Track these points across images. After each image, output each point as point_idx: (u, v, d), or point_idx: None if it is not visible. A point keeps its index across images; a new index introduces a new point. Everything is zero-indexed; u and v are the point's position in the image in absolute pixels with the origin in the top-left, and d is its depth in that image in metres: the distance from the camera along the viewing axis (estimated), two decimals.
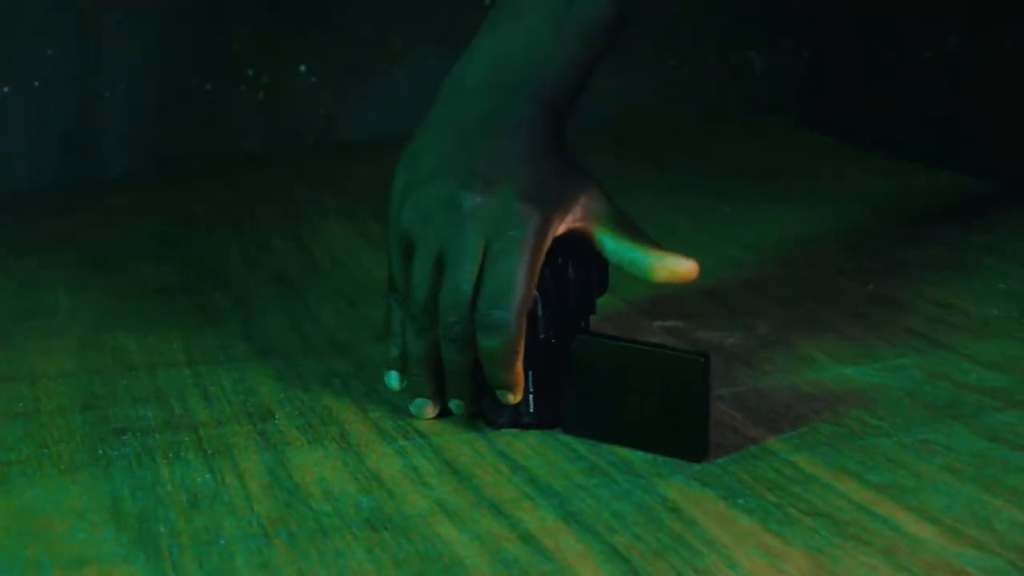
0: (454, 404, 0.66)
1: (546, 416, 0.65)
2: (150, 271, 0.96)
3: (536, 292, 0.64)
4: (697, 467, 0.60)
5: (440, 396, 0.66)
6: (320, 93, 1.37)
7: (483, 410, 0.66)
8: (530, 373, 0.64)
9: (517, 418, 0.65)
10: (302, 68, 1.37)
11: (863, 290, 0.86)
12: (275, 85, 1.36)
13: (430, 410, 0.66)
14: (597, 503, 0.57)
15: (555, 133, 0.67)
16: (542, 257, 0.63)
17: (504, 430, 0.65)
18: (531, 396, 0.65)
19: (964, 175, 1.15)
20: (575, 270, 0.65)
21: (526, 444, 0.64)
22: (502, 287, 0.62)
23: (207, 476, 0.61)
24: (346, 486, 0.59)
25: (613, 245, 0.65)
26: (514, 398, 0.64)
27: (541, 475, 0.60)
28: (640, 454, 0.62)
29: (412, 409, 0.67)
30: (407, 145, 0.68)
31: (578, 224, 0.65)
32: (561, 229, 0.64)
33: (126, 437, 0.65)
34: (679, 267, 0.64)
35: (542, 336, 0.64)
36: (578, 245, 0.65)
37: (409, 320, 0.64)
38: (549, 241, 0.63)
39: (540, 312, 0.64)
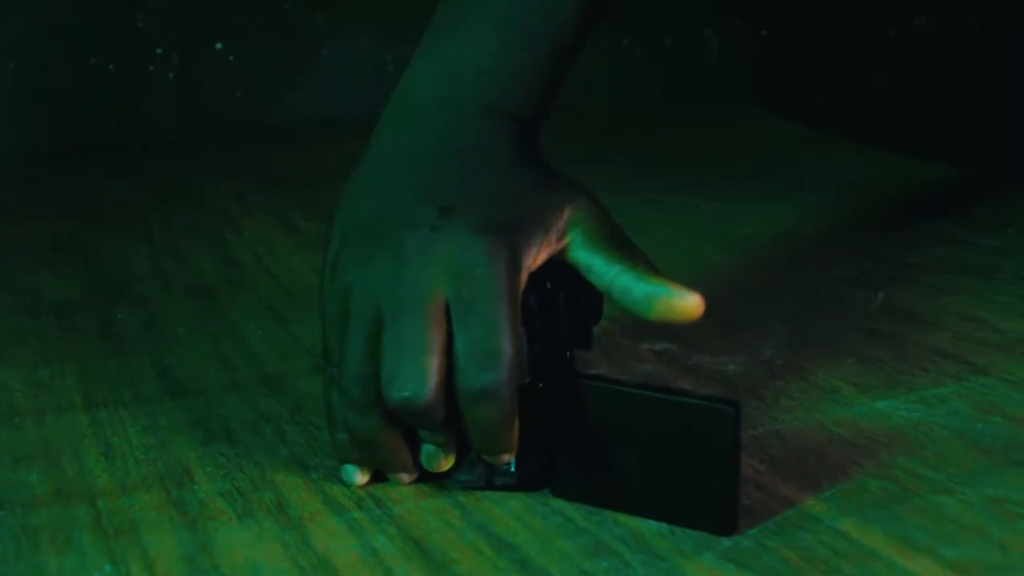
0: (395, 477, 0.54)
1: (531, 476, 0.53)
2: (41, 285, 0.82)
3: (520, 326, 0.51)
4: (727, 542, 0.49)
5: (412, 461, 0.54)
6: (238, 73, 1.23)
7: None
8: None
9: (492, 477, 0.53)
10: (218, 45, 1.23)
11: (873, 301, 0.75)
12: (187, 65, 1.22)
13: (406, 478, 0.54)
14: None
15: (522, 145, 0.55)
16: (519, 293, 0.51)
17: (480, 493, 0.53)
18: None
19: (940, 162, 1.05)
20: (566, 296, 0.53)
21: (510, 513, 0.52)
22: (483, 343, 0.49)
23: (107, 568, 0.48)
24: None
25: (602, 268, 0.53)
26: (508, 457, 0.52)
27: (533, 556, 0.48)
28: (652, 525, 0.50)
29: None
30: (346, 183, 0.55)
31: (564, 244, 0.53)
32: (542, 257, 0.52)
33: (2, 513, 0.52)
34: (680, 303, 0.52)
35: (527, 380, 0.52)
36: (567, 265, 0.53)
37: (346, 403, 0.52)
38: (525, 275, 0.51)
39: (525, 350, 0.52)
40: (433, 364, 0.49)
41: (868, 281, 0.78)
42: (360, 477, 0.54)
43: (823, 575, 0.46)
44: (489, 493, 0.53)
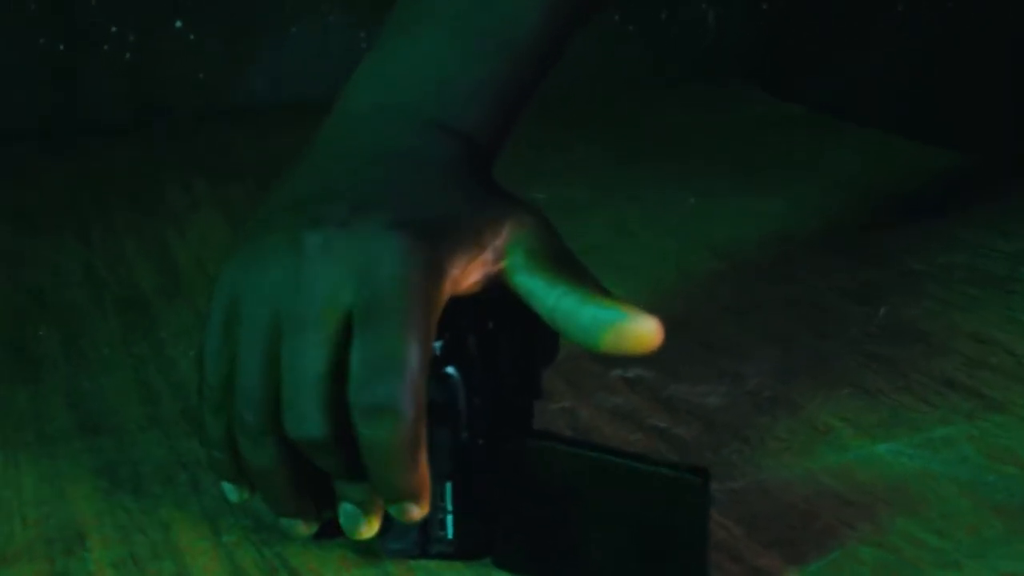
0: (289, 523, 0.46)
1: (470, 544, 0.46)
2: None
3: (455, 372, 0.44)
4: None
5: (312, 509, 0.46)
6: (199, 54, 1.15)
7: (380, 531, 0.46)
8: (448, 486, 0.45)
9: (427, 545, 0.46)
10: (178, 23, 1.15)
11: (874, 316, 0.67)
12: (144, 44, 1.14)
13: (303, 528, 0.47)
14: None
15: (465, 160, 0.48)
16: (438, 305, 0.43)
17: (412, 561, 0.46)
18: (449, 517, 0.45)
19: (948, 148, 0.97)
20: (511, 336, 0.46)
21: None
22: (381, 351, 0.42)
23: None
24: None
25: (543, 292, 0.45)
26: (419, 512, 0.44)
27: None
28: None
29: (284, 528, 0.47)
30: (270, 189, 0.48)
31: (502, 267, 0.46)
32: (474, 275, 0.45)
33: None
34: (635, 329, 0.43)
35: (464, 436, 0.44)
36: (513, 301, 0.46)
37: (237, 429, 0.44)
38: (447, 285, 0.44)
39: (462, 402, 0.44)
40: (335, 392, 0.42)
41: (868, 293, 0.70)
42: (240, 495, 0.47)
43: None
44: (422, 564, 0.46)
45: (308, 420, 0.42)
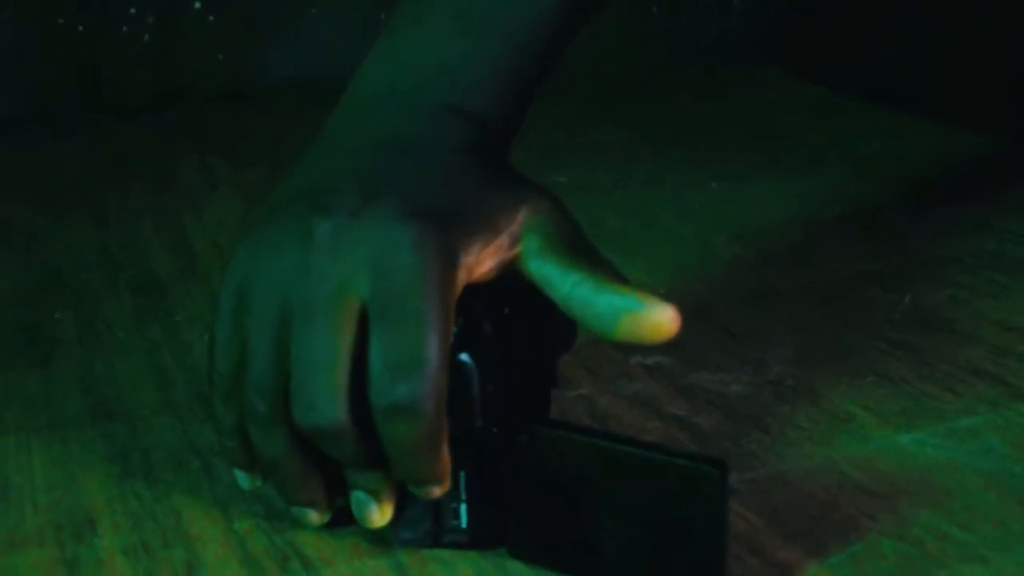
0: (301, 512, 0.46)
1: (484, 534, 0.45)
2: None
3: (468, 359, 0.43)
4: None
5: (323, 497, 0.46)
6: (218, 35, 1.15)
7: (392, 520, 0.45)
8: (462, 475, 0.44)
9: (440, 534, 0.45)
10: (197, 5, 1.14)
11: (899, 304, 0.66)
12: (163, 26, 1.13)
13: (315, 517, 0.46)
14: None
15: (479, 145, 0.47)
16: (454, 295, 0.42)
17: (426, 552, 0.45)
18: (463, 506, 0.45)
19: (975, 131, 0.95)
20: (527, 323, 0.45)
21: None
22: (400, 348, 0.41)
23: None
24: None
25: (558, 279, 0.44)
26: (439, 491, 0.43)
27: None
28: None
29: (296, 516, 0.46)
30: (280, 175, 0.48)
31: (516, 252, 0.45)
32: (488, 262, 0.44)
33: None
34: (651, 318, 0.43)
35: (479, 424, 0.44)
36: (529, 288, 0.45)
37: (249, 418, 0.44)
38: (462, 274, 0.43)
39: (476, 390, 0.43)
40: (345, 378, 0.41)
41: (893, 280, 0.69)
42: (252, 483, 0.46)
43: None
44: (436, 553, 0.45)
45: (317, 408, 0.41)
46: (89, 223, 0.83)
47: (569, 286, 0.44)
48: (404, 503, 0.45)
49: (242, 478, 0.46)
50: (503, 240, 0.44)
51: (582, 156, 0.94)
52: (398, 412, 0.41)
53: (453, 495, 0.44)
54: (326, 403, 0.41)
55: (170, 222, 0.82)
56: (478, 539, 0.45)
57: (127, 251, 0.78)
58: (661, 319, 0.43)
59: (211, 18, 1.15)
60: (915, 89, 1.11)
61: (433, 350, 0.41)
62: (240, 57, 1.15)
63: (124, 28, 1.12)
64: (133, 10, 1.12)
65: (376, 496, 0.44)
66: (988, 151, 0.94)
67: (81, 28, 1.11)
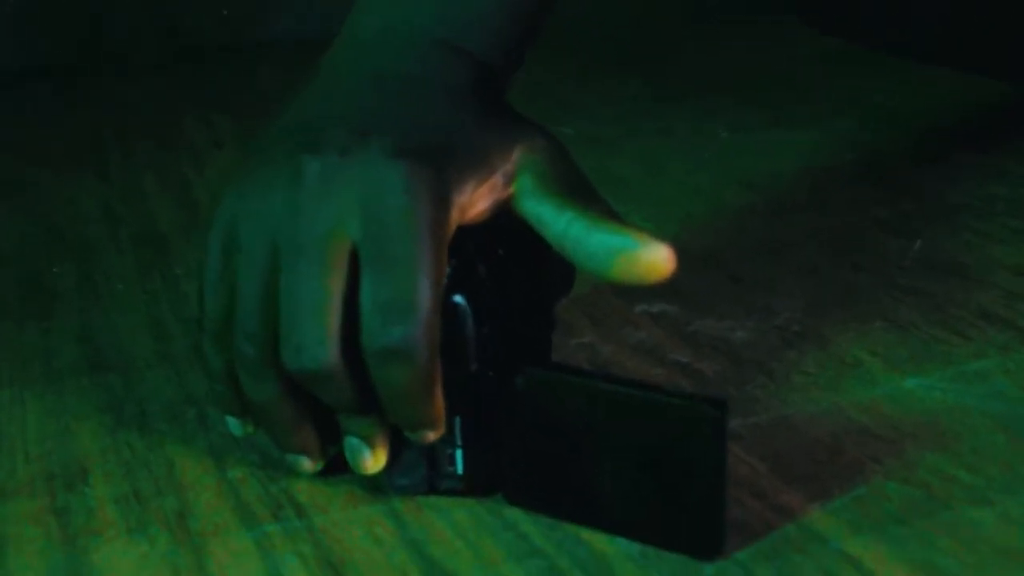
0: (294, 459, 0.45)
1: (480, 480, 0.44)
2: None
3: (462, 300, 0.42)
4: (710, 570, 0.40)
5: (316, 444, 0.45)
6: None
7: (387, 467, 0.45)
8: (457, 420, 0.43)
9: (436, 480, 0.44)
10: None
11: (910, 249, 0.65)
12: None
13: (308, 464, 0.45)
14: None
15: (477, 82, 0.46)
16: (447, 236, 0.41)
17: (421, 499, 0.44)
18: (459, 452, 0.44)
19: (990, 79, 0.93)
20: (522, 265, 0.44)
21: (452, 528, 0.43)
22: (392, 290, 0.40)
23: None
24: None
25: (551, 217, 0.43)
26: (434, 435, 0.43)
27: None
28: (621, 545, 0.41)
29: (289, 463, 0.45)
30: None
31: (511, 192, 0.44)
32: (482, 202, 0.43)
33: None
34: (646, 256, 0.41)
35: (474, 368, 0.43)
36: (526, 229, 0.44)
37: (238, 363, 0.43)
38: (455, 214, 0.42)
39: (470, 332, 0.42)
40: (335, 321, 0.40)
41: (904, 226, 0.68)
42: (244, 429, 0.45)
43: None
44: (431, 500, 0.44)
45: (306, 351, 0.40)
46: (91, 178, 0.82)
47: (563, 225, 0.43)
48: (399, 449, 0.44)
49: (234, 424, 0.45)
50: (497, 179, 0.43)
51: (592, 108, 0.93)
52: (391, 356, 0.40)
53: (448, 441, 0.43)
54: (315, 346, 0.40)
55: (172, 177, 0.82)
56: (474, 485, 0.44)
57: (129, 206, 0.77)
58: (656, 258, 0.41)
59: None
60: (931, 40, 1.09)
61: (425, 293, 0.40)
62: (246, 11, 1.14)
63: None
64: None
65: (369, 442, 0.43)
66: (1003, 99, 0.92)
67: None
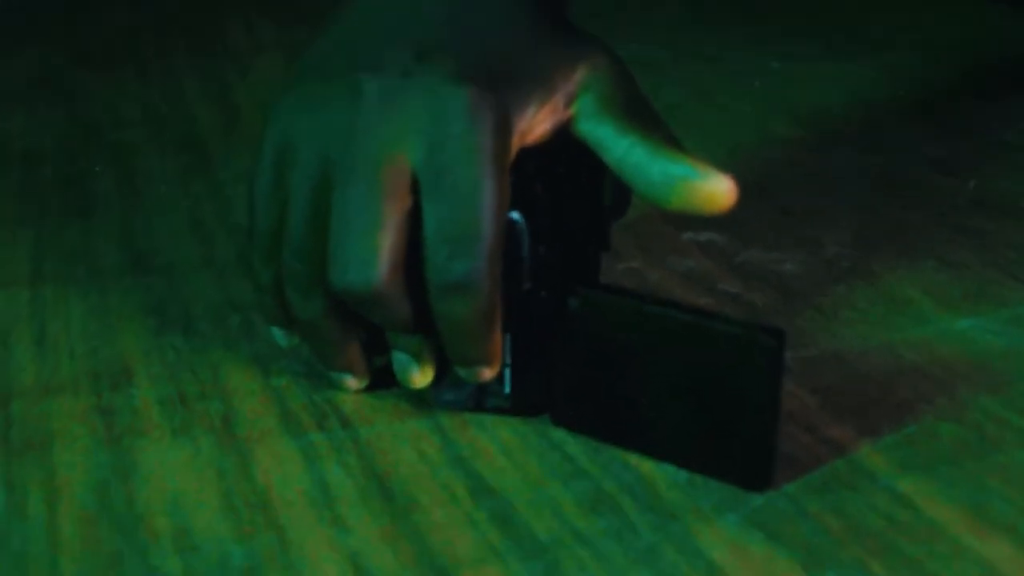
0: (338, 376, 0.45)
1: (528, 400, 0.44)
2: (15, 126, 0.73)
3: (519, 218, 0.42)
4: (758, 500, 0.39)
5: (362, 363, 0.45)
6: None
7: (434, 381, 0.44)
8: (507, 338, 0.43)
9: (482, 398, 0.44)
10: None
11: (963, 189, 0.64)
12: None
13: (352, 383, 0.45)
14: (602, 570, 0.36)
15: (541, 1, 0.44)
16: (507, 164, 0.40)
17: (467, 416, 0.44)
18: (507, 371, 0.43)
19: None
20: (579, 186, 0.43)
21: (498, 446, 0.43)
22: (457, 224, 0.40)
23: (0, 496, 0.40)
24: (213, 519, 0.38)
25: (611, 141, 0.42)
26: (489, 372, 0.42)
27: (518, 507, 0.39)
28: (668, 472, 0.41)
29: (334, 380, 0.45)
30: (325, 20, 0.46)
31: (571, 113, 0.43)
32: (543, 126, 0.42)
33: None
34: (707, 187, 0.40)
35: (527, 287, 0.42)
36: (584, 149, 0.43)
37: (286, 278, 0.42)
38: (518, 141, 0.41)
39: (526, 251, 0.42)
40: (386, 243, 0.40)
41: (958, 165, 0.67)
42: (290, 340, 0.45)
43: (872, 555, 0.37)
44: (477, 418, 0.44)
45: (352, 271, 0.40)
46: (132, 80, 0.81)
47: (623, 150, 0.42)
48: (446, 364, 0.43)
49: (279, 335, 0.45)
50: (558, 100, 0.42)
51: (641, 33, 0.91)
52: (454, 290, 0.40)
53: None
54: (362, 266, 0.40)
55: (213, 81, 0.81)
56: (521, 405, 0.44)
57: (170, 108, 0.77)
58: (717, 189, 0.41)
59: None
60: None
61: (490, 226, 0.39)
62: None
63: None
64: None
65: (417, 358, 0.43)
66: None
67: None
